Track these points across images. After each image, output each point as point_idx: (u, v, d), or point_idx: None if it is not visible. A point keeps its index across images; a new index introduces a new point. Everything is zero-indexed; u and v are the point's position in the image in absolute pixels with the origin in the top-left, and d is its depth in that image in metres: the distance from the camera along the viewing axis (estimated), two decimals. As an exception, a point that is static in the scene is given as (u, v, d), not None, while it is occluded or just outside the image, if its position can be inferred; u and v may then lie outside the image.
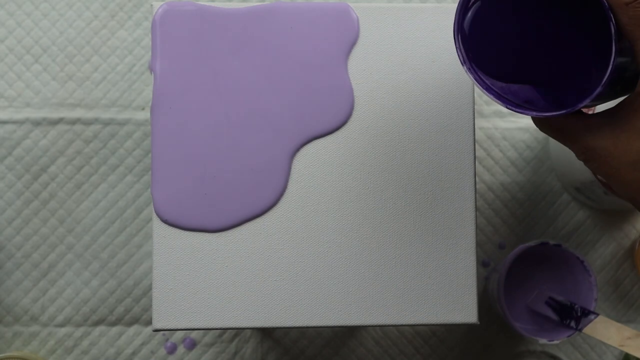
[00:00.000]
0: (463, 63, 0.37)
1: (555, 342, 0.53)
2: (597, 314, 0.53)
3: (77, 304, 0.58)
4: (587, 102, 0.34)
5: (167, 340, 0.58)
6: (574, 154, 0.53)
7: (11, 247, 0.58)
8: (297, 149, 0.46)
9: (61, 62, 0.60)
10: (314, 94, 0.46)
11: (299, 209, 0.46)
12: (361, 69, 0.47)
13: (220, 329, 0.46)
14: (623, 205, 0.56)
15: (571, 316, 0.54)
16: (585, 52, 0.36)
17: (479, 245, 0.60)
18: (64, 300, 0.58)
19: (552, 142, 0.59)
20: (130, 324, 0.58)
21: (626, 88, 0.37)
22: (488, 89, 0.37)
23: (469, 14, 0.38)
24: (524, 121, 0.60)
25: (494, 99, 0.37)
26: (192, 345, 0.58)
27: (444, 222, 0.46)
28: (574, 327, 0.53)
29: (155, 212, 0.45)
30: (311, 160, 0.46)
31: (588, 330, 0.53)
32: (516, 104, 0.37)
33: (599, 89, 0.33)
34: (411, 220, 0.46)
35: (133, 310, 0.58)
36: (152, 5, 0.47)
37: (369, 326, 0.48)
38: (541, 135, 0.60)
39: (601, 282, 0.60)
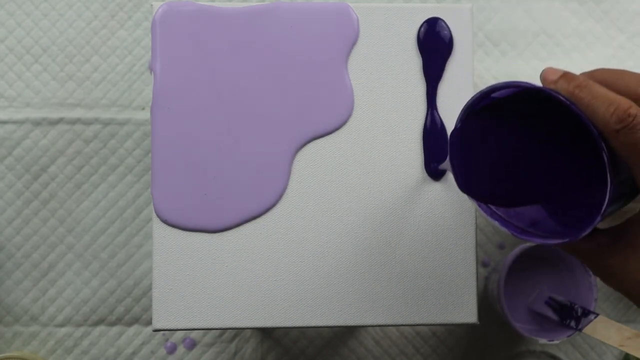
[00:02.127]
0: (463, 190, 0.37)
1: (555, 342, 0.53)
2: (597, 314, 0.53)
3: (77, 304, 0.58)
4: (588, 230, 0.33)
5: (167, 340, 0.58)
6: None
7: (11, 247, 0.58)
8: (298, 149, 0.46)
9: (61, 62, 0.60)
10: (314, 93, 0.46)
11: (298, 209, 0.46)
12: (361, 69, 0.47)
13: (220, 329, 0.46)
14: (623, 205, 0.56)
15: (571, 316, 0.54)
16: (585, 166, 0.36)
17: (479, 245, 0.60)
18: (64, 300, 0.58)
19: (552, 142, 0.59)
20: (130, 324, 0.58)
21: (632, 195, 0.36)
22: (492, 214, 0.37)
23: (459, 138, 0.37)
24: (524, 121, 0.60)
25: (500, 225, 0.36)
26: (192, 345, 0.58)
27: (444, 222, 0.46)
28: (574, 327, 0.53)
29: (155, 212, 0.45)
30: (311, 160, 0.46)
31: (588, 330, 0.53)
32: (521, 229, 0.36)
33: (598, 219, 0.33)
34: (411, 221, 0.46)
35: (133, 310, 0.58)
36: (152, 5, 0.47)
37: (369, 326, 0.48)
38: (541, 135, 0.60)
39: (601, 282, 0.60)
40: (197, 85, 0.46)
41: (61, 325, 0.58)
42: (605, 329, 0.52)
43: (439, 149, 0.46)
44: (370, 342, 0.59)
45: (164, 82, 0.46)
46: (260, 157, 0.46)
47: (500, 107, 0.37)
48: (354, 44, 0.47)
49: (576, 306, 0.54)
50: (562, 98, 0.33)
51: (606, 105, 0.33)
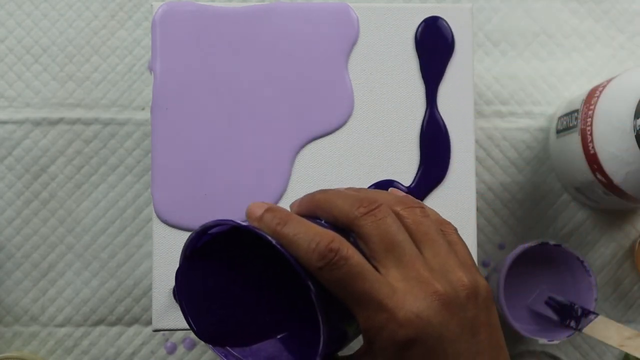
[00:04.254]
0: (194, 331, 0.35)
1: (555, 342, 0.53)
2: (597, 314, 0.53)
3: (77, 304, 0.58)
4: None
5: (167, 340, 0.58)
6: (574, 154, 0.54)
7: (11, 247, 0.58)
8: (298, 150, 0.46)
9: (61, 62, 0.60)
10: (314, 93, 0.46)
11: (299, 209, 0.46)
12: (361, 69, 0.47)
13: (220, 329, 0.46)
14: (623, 205, 0.56)
15: (571, 316, 0.54)
16: (306, 302, 0.34)
17: (479, 245, 0.60)
18: (64, 300, 0.58)
19: (552, 142, 0.59)
20: (130, 324, 0.58)
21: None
22: (227, 355, 0.35)
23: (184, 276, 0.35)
24: (524, 121, 0.60)
25: None
26: (192, 345, 0.58)
27: (444, 222, 0.46)
28: (574, 327, 0.53)
29: (155, 212, 0.45)
30: (311, 160, 0.46)
31: (588, 330, 0.53)
32: None
33: (317, 359, 0.31)
34: (411, 220, 0.46)
35: (133, 310, 0.58)
36: (152, 5, 0.47)
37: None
38: (541, 135, 0.60)
39: (601, 282, 0.60)
40: (197, 85, 0.46)
41: (61, 325, 0.58)
42: (605, 329, 0.52)
43: (438, 149, 0.46)
44: (370, 342, 0.59)
45: (164, 82, 0.46)
46: (260, 157, 0.46)
47: (221, 243, 0.35)
48: (354, 44, 0.47)
49: (576, 306, 0.54)
50: (266, 236, 0.32)
51: (308, 241, 0.31)
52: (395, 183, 0.46)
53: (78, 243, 0.58)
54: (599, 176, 0.51)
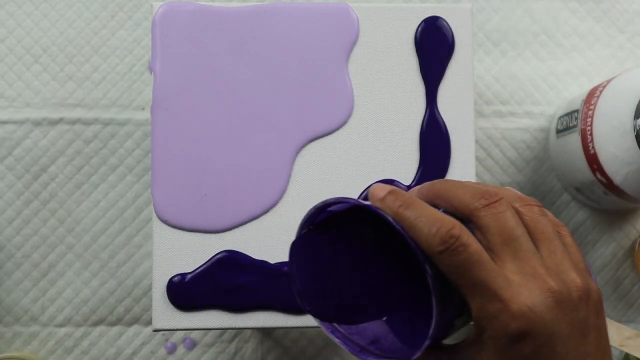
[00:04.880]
0: (304, 307, 0.36)
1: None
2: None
3: (77, 304, 0.58)
4: (417, 354, 0.32)
5: (167, 340, 0.58)
6: (574, 154, 0.54)
7: (11, 247, 0.58)
8: (298, 150, 0.46)
9: (61, 62, 0.60)
10: (313, 93, 0.46)
11: (298, 209, 0.46)
12: (361, 69, 0.47)
13: (220, 329, 0.46)
14: (623, 205, 0.56)
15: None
16: (419, 284, 0.35)
17: (479, 245, 0.60)
18: (64, 300, 0.58)
19: (552, 142, 0.59)
20: (130, 324, 0.58)
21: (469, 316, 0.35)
22: (333, 331, 0.36)
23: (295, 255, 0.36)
24: (524, 121, 0.60)
25: (340, 343, 0.35)
26: (192, 345, 0.58)
27: (444, 222, 0.46)
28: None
29: (155, 212, 0.45)
30: (311, 161, 0.46)
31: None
32: (360, 347, 0.35)
33: (426, 342, 0.32)
34: (411, 220, 0.46)
35: (133, 310, 0.58)
36: (152, 5, 0.47)
37: (369, 326, 0.48)
38: (541, 135, 0.60)
39: (601, 282, 0.60)
40: (197, 85, 0.46)
41: (61, 325, 0.58)
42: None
43: (438, 149, 0.46)
44: (370, 342, 0.59)
45: (164, 82, 0.46)
46: (260, 157, 0.46)
47: (338, 220, 0.36)
48: (354, 44, 0.47)
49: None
50: (387, 217, 0.33)
51: (429, 225, 0.32)
52: (395, 182, 0.46)
53: (78, 243, 0.58)
54: (599, 176, 0.51)
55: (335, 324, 0.36)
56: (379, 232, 0.37)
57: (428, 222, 0.32)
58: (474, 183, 0.36)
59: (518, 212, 0.34)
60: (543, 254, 0.33)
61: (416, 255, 0.32)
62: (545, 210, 0.36)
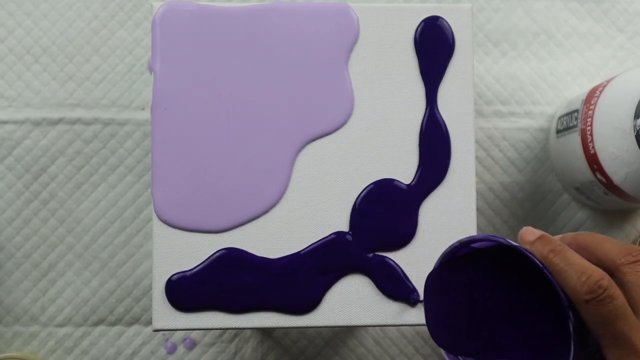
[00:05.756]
0: (434, 338, 0.37)
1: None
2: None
3: (77, 304, 0.58)
4: None
5: (167, 340, 0.58)
6: (574, 154, 0.54)
7: (11, 247, 0.58)
8: (299, 150, 0.46)
9: (61, 62, 0.60)
10: (314, 93, 0.46)
11: (299, 209, 0.46)
12: (361, 69, 0.47)
13: (220, 329, 0.46)
14: (623, 205, 0.56)
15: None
16: (553, 329, 0.36)
17: (479, 245, 0.60)
18: (64, 300, 0.58)
19: (552, 142, 0.59)
20: (130, 324, 0.58)
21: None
22: None
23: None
24: (524, 121, 0.60)
25: None
26: (192, 345, 0.58)
27: (444, 222, 0.46)
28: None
29: (155, 212, 0.45)
30: (311, 161, 0.46)
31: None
32: None
33: None
34: (411, 220, 0.46)
35: (133, 310, 0.58)
36: (152, 5, 0.47)
37: (369, 326, 0.48)
38: (541, 135, 0.60)
39: (601, 282, 0.60)
40: (197, 85, 0.46)
41: (61, 325, 0.58)
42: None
43: (437, 149, 0.46)
44: (370, 342, 0.59)
45: (164, 82, 0.46)
46: (260, 157, 0.46)
47: (477, 257, 0.37)
48: (354, 44, 0.47)
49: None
50: (536, 260, 0.34)
51: (578, 274, 0.33)
52: (395, 182, 0.46)
53: (78, 243, 0.58)
54: (599, 176, 0.51)
55: (460, 357, 0.37)
56: (518, 275, 0.38)
57: (578, 270, 0.33)
58: (617, 240, 0.37)
59: None
60: None
61: (561, 301, 0.33)
62: None
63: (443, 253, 0.37)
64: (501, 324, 0.37)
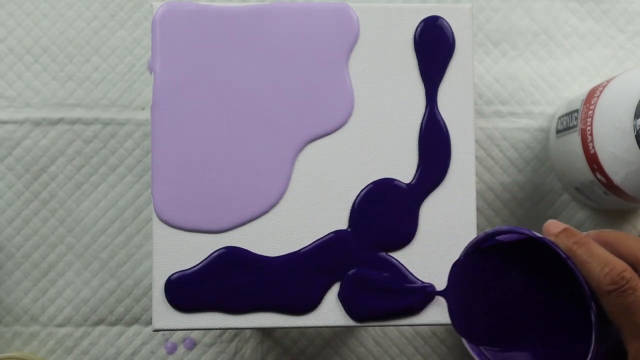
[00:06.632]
0: (455, 327, 0.38)
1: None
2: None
3: (77, 304, 0.58)
4: None
5: (167, 340, 0.58)
6: (574, 154, 0.54)
7: (11, 247, 0.58)
8: (299, 150, 0.46)
9: (61, 62, 0.60)
10: (314, 93, 0.46)
11: (299, 209, 0.46)
12: (361, 69, 0.47)
13: (220, 329, 0.46)
14: (623, 205, 0.56)
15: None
16: (574, 319, 0.37)
17: (479, 245, 0.60)
18: (64, 300, 0.58)
19: (552, 142, 0.59)
20: (130, 324, 0.58)
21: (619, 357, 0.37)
22: (479, 354, 0.38)
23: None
24: (524, 121, 0.60)
25: None
26: (192, 345, 0.58)
27: (444, 222, 0.46)
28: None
29: (155, 212, 0.45)
30: (311, 161, 0.46)
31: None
32: None
33: None
34: (411, 220, 0.46)
35: (133, 310, 0.58)
36: (152, 5, 0.47)
37: (369, 326, 0.48)
38: (541, 135, 0.60)
39: (601, 282, 0.60)
40: (197, 85, 0.46)
41: (61, 325, 0.58)
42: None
43: (437, 149, 0.46)
44: (370, 342, 0.59)
45: (164, 82, 0.46)
46: (260, 157, 0.46)
47: (501, 249, 0.38)
48: (354, 44, 0.47)
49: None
50: (560, 252, 0.35)
51: (602, 265, 0.34)
52: (395, 182, 0.46)
53: (78, 243, 0.58)
54: (599, 176, 0.51)
55: (482, 348, 0.38)
56: (540, 268, 0.38)
57: (601, 261, 0.34)
58: (636, 237, 0.38)
59: None
60: None
61: (584, 291, 0.34)
62: None
63: (467, 245, 0.38)
64: (522, 316, 0.38)
